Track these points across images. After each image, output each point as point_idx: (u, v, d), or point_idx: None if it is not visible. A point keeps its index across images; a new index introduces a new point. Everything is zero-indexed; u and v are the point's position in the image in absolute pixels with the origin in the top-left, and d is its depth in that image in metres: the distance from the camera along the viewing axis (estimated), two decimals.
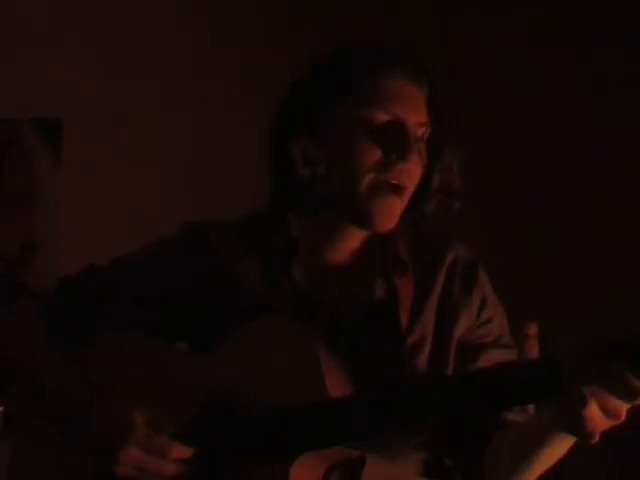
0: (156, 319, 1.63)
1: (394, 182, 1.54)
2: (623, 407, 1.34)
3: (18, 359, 1.64)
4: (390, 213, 1.56)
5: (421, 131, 1.57)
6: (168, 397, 1.53)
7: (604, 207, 3.32)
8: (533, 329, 1.85)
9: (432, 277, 1.62)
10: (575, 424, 1.36)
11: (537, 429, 1.49)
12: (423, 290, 1.61)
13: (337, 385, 1.46)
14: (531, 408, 1.60)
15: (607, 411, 1.34)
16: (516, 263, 3.12)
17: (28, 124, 3.23)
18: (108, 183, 3.26)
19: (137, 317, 1.63)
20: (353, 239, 1.62)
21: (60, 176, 3.25)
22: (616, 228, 3.28)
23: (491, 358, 1.60)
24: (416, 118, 1.56)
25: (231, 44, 3.52)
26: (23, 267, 2.91)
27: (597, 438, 1.37)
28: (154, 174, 3.35)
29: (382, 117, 1.54)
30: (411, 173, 1.56)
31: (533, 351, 1.82)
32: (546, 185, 3.35)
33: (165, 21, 3.52)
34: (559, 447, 1.49)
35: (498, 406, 1.49)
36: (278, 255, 1.61)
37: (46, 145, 3.26)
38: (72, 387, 1.57)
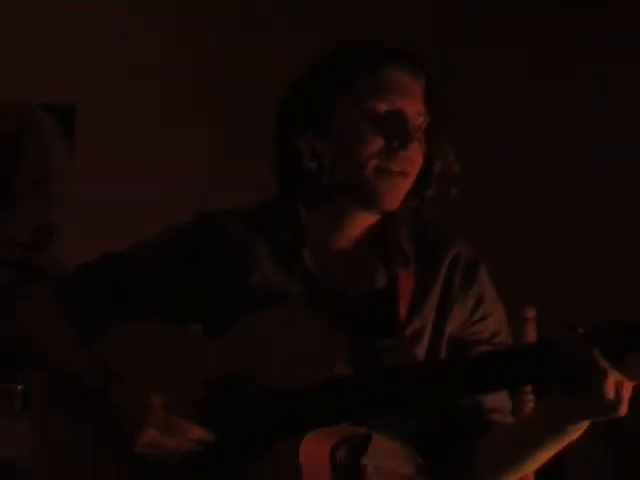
0: (170, 305, 1.69)
1: (397, 169, 1.62)
2: (630, 387, 1.41)
3: (35, 342, 1.70)
4: (396, 192, 1.64)
5: (420, 120, 1.64)
6: (182, 380, 1.59)
7: (600, 198, 3.37)
8: (531, 313, 1.89)
9: (434, 271, 1.68)
10: (597, 405, 1.41)
11: (529, 431, 1.56)
12: (424, 283, 1.67)
13: (344, 368, 1.53)
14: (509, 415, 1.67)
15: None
16: (515, 248, 3.18)
17: (42, 110, 3.27)
18: (121, 168, 3.31)
19: (151, 303, 1.69)
20: (358, 228, 1.69)
21: (74, 161, 3.29)
22: (613, 217, 3.34)
23: None
24: (414, 108, 1.63)
25: (234, 36, 3.56)
26: (38, 251, 2.95)
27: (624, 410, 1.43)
28: (166, 159, 3.40)
29: (382, 108, 1.62)
30: (413, 160, 1.63)
31: (531, 334, 1.87)
32: (545, 178, 3.41)
33: (173, 13, 3.56)
34: (549, 448, 1.55)
35: (512, 384, 1.56)
36: (288, 243, 1.68)
37: (59, 130, 3.29)
38: (88, 373, 1.63)
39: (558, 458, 1.59)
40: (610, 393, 1.40)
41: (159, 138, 3.39)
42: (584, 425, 1.49)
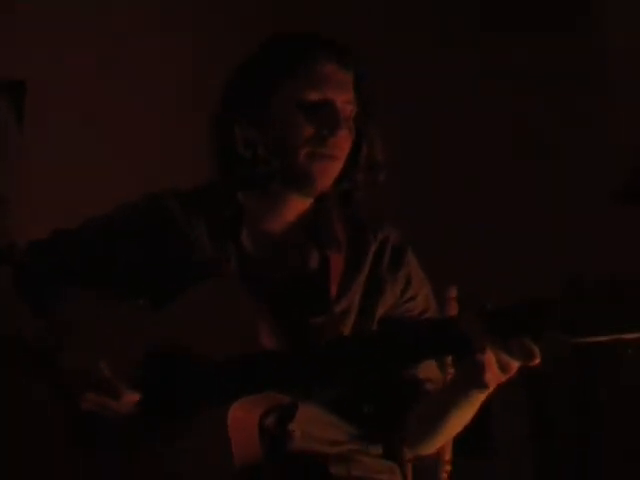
0: (118, 280, 1.79)
1: (327, 153, 1.73)
2: (515, 364, 1.51)
3: None
4: (327, 174, 1.75)
5: (349, 109, 1.75)
6: (124, 347, 1.69)
7: (518, 182, 3.48)
8: (453, 292, 1.99)
9: (362, 254, 1.80)
10: (476, 372, 1.52)
11: (450, 390, 1.67)
12: (353, 265, 1.79)
13: (272, 340, 1.64)
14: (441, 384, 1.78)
15: (502, 365, 1.51)
16: (440, 232, 3.28)
17: None
18: (69, 144, 3.34)
19: (101, 278, 1.79)
20: (293, 213, 1.80)
21: (23, 135, 3.33)
22: (531, 200, 3.46)
23: None
24: (344, 97, 1.74)
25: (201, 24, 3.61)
26: None
27: (492, 387, 1.54)
28: (117, 134, 3.43)
29: (314, 97, 1.72)
30: (341, 145, 1.75)
31: (453, 312, 1.97)
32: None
33: None
34: (466, 408, 1.67)
35: (414, 358, 1.66)
36: (227, 224, 1.78)
37: (9, 105, 3.33)
38: (38, 339, 1.72)
39: (482, 408, 1.71)
40: (488, 369, 1.50)
41: (109, 114, 3.42)
42: (483, 392, 1.59)
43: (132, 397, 1.65)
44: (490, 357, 1.50)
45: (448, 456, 1.97)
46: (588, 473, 3.33)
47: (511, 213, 3.47)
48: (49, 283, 1.80)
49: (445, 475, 1.97)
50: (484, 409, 1.70)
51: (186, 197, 1.84)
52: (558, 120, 3.49)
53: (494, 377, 1.52)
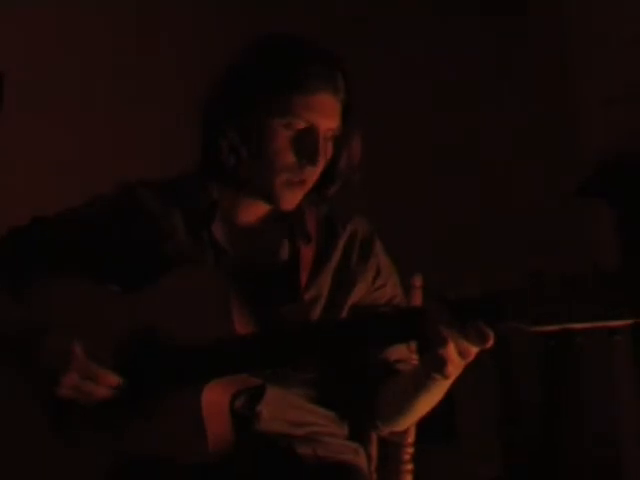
0: (93, 266, 1.84)
1: (301, 179, 1.79)
2: (473, 350, 1.58)
3: None
4: (293, 200, 1.82)
5: (330, 134, 1.81)
6: (101, 332, 1.74)
7: (487, 172, 3.54)
8: (418, 281, 2.04)
9: (332, 246, 1.88)
10: (438, 363, 1.59)
11: (417, 376, 1.72)
12: (323, 256, 1.86)
13: (243, 326, 1.70)
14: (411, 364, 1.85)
15: (461, 352, 1.57)
16: (406, 223, 3.34)
17: None
18: (48, 136, 3.36)
19: (76, 264, 1.84)
20: (264, 208, 1.87)
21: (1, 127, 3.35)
22: (501, 189, 3.53)
23: None
24: (329, 125, 1.79)
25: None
26: None
27: (454, 376, 1.62)
28: (94, 130, 3.46)
29: (300, 125, 1.77)
30: (317, 171, 1.81)
31: (418, 300, 2.03)
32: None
33: None
34: (434, 391, 1.72)
35: (374, 345, 1.75)
36: (201, 216, 1.84)
37: None
38: (15, 325, 1.77)
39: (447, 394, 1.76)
40: (449, 361, 1.57)
41: (89, 108, 3.46)
42: (450, 376, 1.64)
43: (111, 379, 1.70)
44: (451, 349, 1.56)
45: (411, 439, 2.03)
46: (555, 458, 3.41)
47: (480, 207, 3.55)
48: (27, 269, 1.84)
49: (408, 457, 2.03)
50: (448, 395, 1.76)
51: (160, 187, 1.89)
52: (526, 118, 3.56)
53: (455, 366, 1.59)
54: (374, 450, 2.01)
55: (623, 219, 3.21)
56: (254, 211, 1.87)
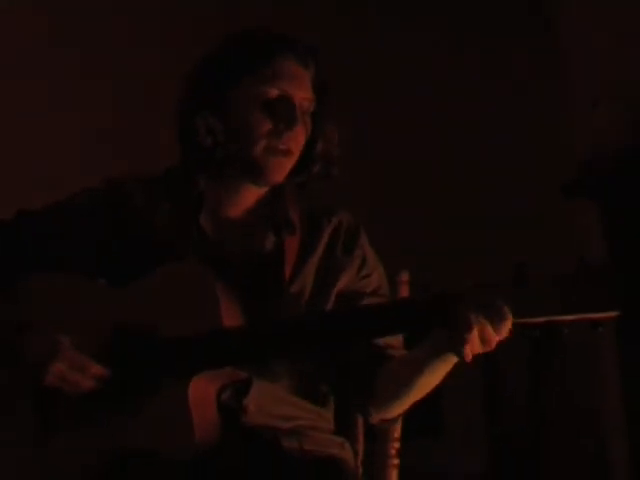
0: (80, 260, 1.85)
1: (283, 147, 1.81)
2: (495, 338, 1.59)
3: None
4: (280, 170, 1.84)
5: (306, 105, 1.84)
6: (88, 325, 1.75)
7: (474, 170, 3.57)
8: (405, 276, 2.06)
9: (317, 237, 1.89)
10: (458, 343, 1.59)
11: (418, 359, 1.74)
12: (307, 248, 1.87)
13: (231, 319, 1.71)
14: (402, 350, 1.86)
15: (483, 338, 1.58)
16: (392, 219, 3.38)
17: None
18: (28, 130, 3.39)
19: (64, 259, 1.85)
20: (249, 199, 1.88)
21: None
22: (484, 186, 3.54)
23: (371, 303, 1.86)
24: (302, 94, 1.83)
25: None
26: None
27: (469, 357, 1.61)
28: (73, 122, 3.48)
29: (274, 93, 1.81)
30: (297, 139, 1.83)
31: (405, 295, 2.03)
32: None
33: None
34: (439, 369, 1.73)
35: (391, 332, 1.76)
36: (187, 209, 1.86)
37: None
38: (2, 321, 1.78)
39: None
40: (470, 343, 1.58)
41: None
42: (467, 356, 1.62)
43: (98, 370, 1.71)
44: (475, 334, 1.57)
45: (397, 434, 2.04)
46: (541, 453, 3.43)
47: (467, 204, 3.56)
48: (13, 263, 1.85)
49: (394, 452, 2.04)
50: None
51: (145, 182, 1.91)
52: (513, 116, 3.58)
53: (474, 349, 1.60)
54: (360, 445, 2.02)
55: (609, 218, 3.23)
56: (240, 202, 1.88)
